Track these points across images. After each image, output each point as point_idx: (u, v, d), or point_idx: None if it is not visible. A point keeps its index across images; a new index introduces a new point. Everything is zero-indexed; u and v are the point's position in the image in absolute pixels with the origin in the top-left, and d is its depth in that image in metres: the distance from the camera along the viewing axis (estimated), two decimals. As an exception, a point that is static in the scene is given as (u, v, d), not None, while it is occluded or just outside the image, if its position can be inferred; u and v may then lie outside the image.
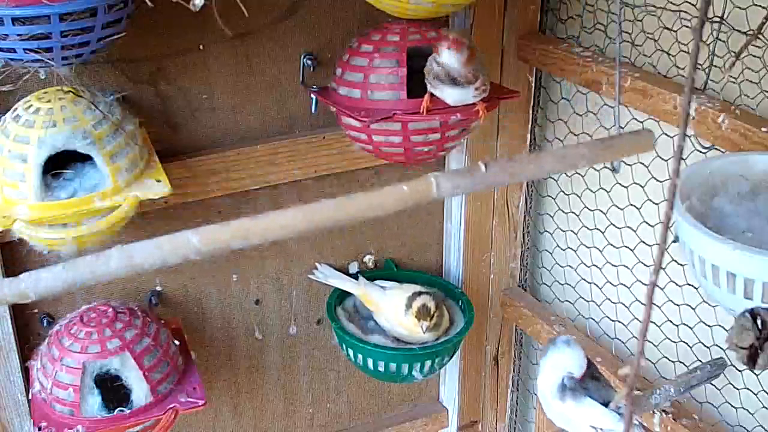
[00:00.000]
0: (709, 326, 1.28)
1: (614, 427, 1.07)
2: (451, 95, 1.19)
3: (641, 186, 1.36)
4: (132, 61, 1.25)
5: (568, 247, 1.59)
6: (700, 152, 1.21)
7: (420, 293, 1.40)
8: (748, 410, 1.26)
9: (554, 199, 1.61)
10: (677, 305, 1.34)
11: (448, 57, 1.16)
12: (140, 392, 1.22)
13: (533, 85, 1.52)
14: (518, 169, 0.69)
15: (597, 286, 1.53)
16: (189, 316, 1.44)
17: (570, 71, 1.37)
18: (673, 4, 1.23)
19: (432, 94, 1.20)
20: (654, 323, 1.38)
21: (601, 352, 1.46)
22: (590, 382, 1.10)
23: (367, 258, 1.56)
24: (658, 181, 1.33)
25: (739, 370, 1.24)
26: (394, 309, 1.42)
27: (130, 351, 1.21)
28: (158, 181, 1.15)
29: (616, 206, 1.43)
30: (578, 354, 1.09)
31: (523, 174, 0.70)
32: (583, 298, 1.58)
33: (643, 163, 1.35)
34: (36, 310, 1.33)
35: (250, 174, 1.36)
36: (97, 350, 1.21)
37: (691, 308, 1.31)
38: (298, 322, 1.55)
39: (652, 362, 1.41)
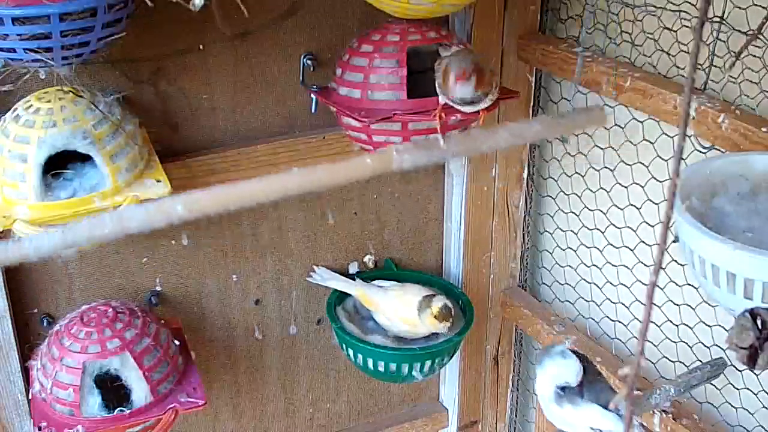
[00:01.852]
0: (709, 326, 1.28)
1: (614, 428, 1.07)
2: (468, 109, 1.19)
3: (641, 186, 1.36)
4: (132, 61, 1.25)
5: (568, 247, 1.59)
6: (700, 152, 1.21)
7: (434, 294, 1.41)
8: (748, 410, 1.26)
9: (554, 199, 1.61)
10: (677, 305, 1.34)
11: (461, 90, 1.15)
12: (140, 392, 1.22)
13: (533, 85, 1.52)
14: (475, 143, 0.71)
15: (597, 286, 1.53)
16: (189, 316, 1.44)
17: (570, 71, 1.37)
18: (673, 4, 1.23)
19: (446, 104, 1.20)
20: (654, 323, 1.38)
21: (601, 352, 1.46)
22: (589, 384, 1.10)
23: (367, 258, 1.56)
24: (658, 181, 1.33)
25: (739, 370, 1.24)
26: (397, 305, 1.42)
27: (130, 351, 1.21)
28: (158, 181, 1.15)
29: (616, 206, 1.43)
30: (573, 364, 1.09)
31: (479, 148, 0.73)
32: (583, 298, 1.58)
33: (643, 163, 1.35)
34: (36, 310, 1.33)
35: (250, 174, 1.36)
36: (97, 350, 1.21)
37: (691, 308, 1.31)
38: (298, 322, 1.55)
39: (652, 362, 1.41)
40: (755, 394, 1.24)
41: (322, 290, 1.52)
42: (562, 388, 1.09)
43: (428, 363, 1.43)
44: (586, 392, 1.09)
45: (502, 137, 0.71)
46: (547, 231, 1.65)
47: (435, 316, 1.38)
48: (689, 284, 1.29)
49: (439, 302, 1.39)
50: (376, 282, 1.49)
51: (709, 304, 1.26)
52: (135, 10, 1.09)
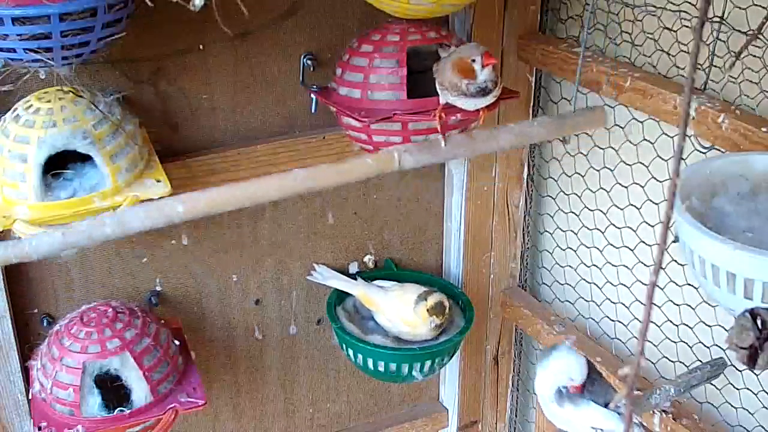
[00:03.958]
0: (709, 326, 1.28)
1: (615, 428, 1.07)
2: (475, 104, 1.18)
3: (641, 186, 1.36)
4: (132, 61, 1.25)
5: (568, 247, 1.59)
6: (700, 152, 1.21)
7: (433, 291, 1.41)
8: (748, 410, 1.26)
9: (554, 199, 1.61)
10: (677, 305, 1.34)
11: (488, 74, 1.14)
12: (140, 392, 1.22)
13: (533, 85, 1.52)
14: (476, 145, 0.72)
15: (597, 286, 1.53)
16: (189, 316, 1.44)
17: (570, 71, 1.37)
18: (673, 4, 1.23)
19: (447, 104, 1.19)
20: (654, 323, 1.38)
21: (601, 352, 1.46)
22: (589, 384, 1.10)
23: (367, 258, 1.56)
24: (658, 181, 1.33)
25: (739, 370, 1.24)
26: (398, 306, 1.42)
27: (130, 351, 1.21)
28: (158, 181, 1.15)
29: (616, 206, 1.43)
30: (580, 360, 1.09)
31: (480, 149, 0.73)
32: (583, 298, 1.58)
33: (643, 163, 1.35)
34: (36, 310, 1.33)
35: (250, 174, 1.36)
36: (97, 350, 1.21)
37: (691, 308, 1.31)
38: (298, 322, 1.55)
39: (652, 362, 1.41)
40: (755, 394, 1.24)
41: (322, 290, 1.52)
42: (562, 389, 1.09)
43: (428, 363, 1.43)
44: (588, 392, 1.09)
45: (504, 139, 0.71)
46: (547, 231, 1.65)
47: (428, 309, 1.38)
48: (689, 284, 1.29)
49: (436, 297, 1.39)
50: (376, 282, 1.49)
51: (709, 304, 1.26)
52: (135, 10, 1.09)
